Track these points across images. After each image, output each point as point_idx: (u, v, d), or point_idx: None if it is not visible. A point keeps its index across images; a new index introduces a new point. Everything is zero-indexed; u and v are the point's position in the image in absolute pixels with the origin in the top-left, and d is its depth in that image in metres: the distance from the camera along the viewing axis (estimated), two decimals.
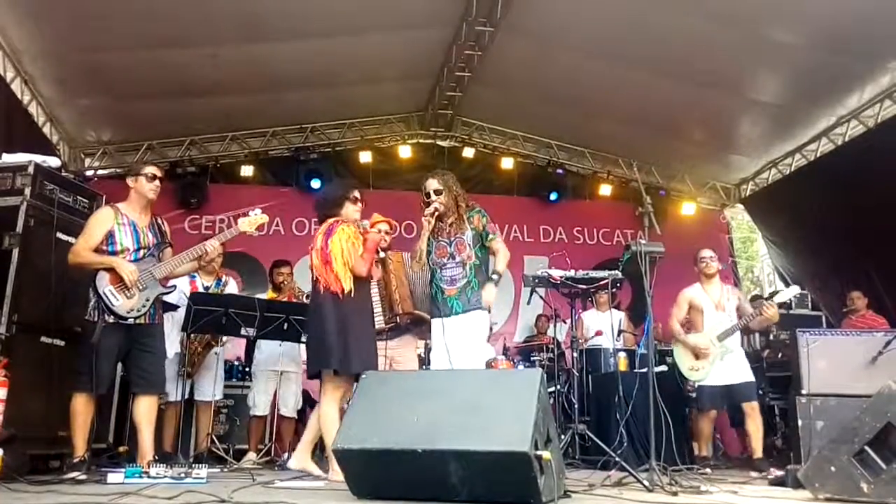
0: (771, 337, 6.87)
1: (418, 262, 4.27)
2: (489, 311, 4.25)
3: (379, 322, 4.41)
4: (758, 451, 5.10)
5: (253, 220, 4.19)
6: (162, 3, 5.81)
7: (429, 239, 4.26)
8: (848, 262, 7.52)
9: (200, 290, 5.37)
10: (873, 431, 2.96)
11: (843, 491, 3.00)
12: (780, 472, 4.23)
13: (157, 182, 4.11)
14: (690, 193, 9.49)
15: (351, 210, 4.07)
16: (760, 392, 6.20)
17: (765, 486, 4.14)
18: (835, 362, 4.21)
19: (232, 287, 5.72)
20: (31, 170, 4.18)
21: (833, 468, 3.06)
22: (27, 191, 4.13)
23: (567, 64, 7.18)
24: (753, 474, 4.85)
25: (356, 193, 4.15)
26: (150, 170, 4.12)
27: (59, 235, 4.23)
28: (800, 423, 4.10)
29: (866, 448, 2.97)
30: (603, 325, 6.79)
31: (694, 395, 5.51)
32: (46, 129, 7.25)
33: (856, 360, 4.17)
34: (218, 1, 5.96)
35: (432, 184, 4.29)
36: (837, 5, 5.56)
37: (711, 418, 5.32)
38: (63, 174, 4.75)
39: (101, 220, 3.96)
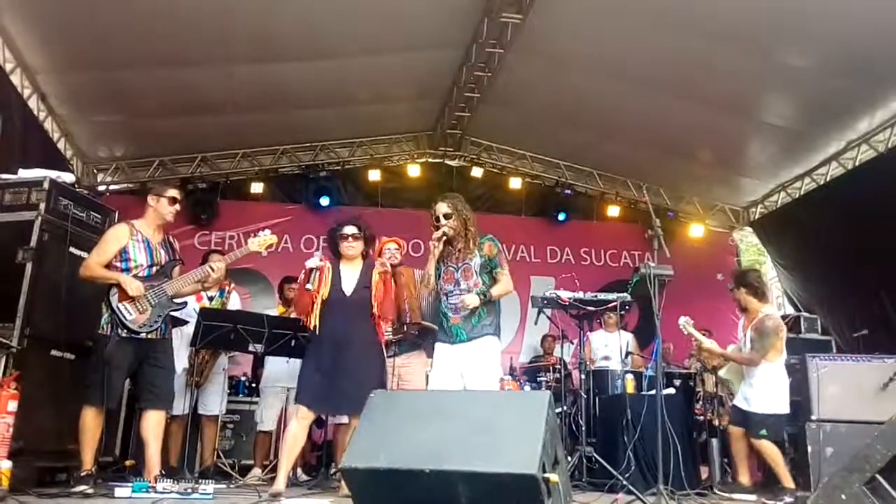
0: None
1: (427, 286, 4.19)
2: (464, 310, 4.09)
3: (387, 333, 4.42)
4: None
5: (262, 241, 4.24)
6: (177, 22, 5.89)
7: (437, 263, 4.17)
8: (858, 285, 7.47)
9: (205, 300, 5.39)
10: (885, 459, 2.92)
11: None
12: (789, 499, 4.19)
13: (177, 206, 4.19)
14: (699, 215, 9.48)
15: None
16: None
17: None
18: (845, 388, 4.19)
19: (235, 299, 5.73)
20: (46, 185, 4.23)
21: (843, 496, 3.01)
22: (42, 206, 4.18)
23: (576, 85, 7.23)
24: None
25: (346, 230, 4.27)
26: (173, 193, 4.19)
27: (72, 250, 4.29)
28: (809, 449, 4.08)
29: (878, 476, 2.93)
30: (611, 347, 6.76)
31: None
32: (61, 145, 7.34)
33: (867, 385, 4.15)
34: (232, 22, 6.03)
35: (442, 207, 4.16)
36: (848, 30, 5.58)
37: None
38: (77, 190, 4.79)
39: (116, 237, 4.01)
